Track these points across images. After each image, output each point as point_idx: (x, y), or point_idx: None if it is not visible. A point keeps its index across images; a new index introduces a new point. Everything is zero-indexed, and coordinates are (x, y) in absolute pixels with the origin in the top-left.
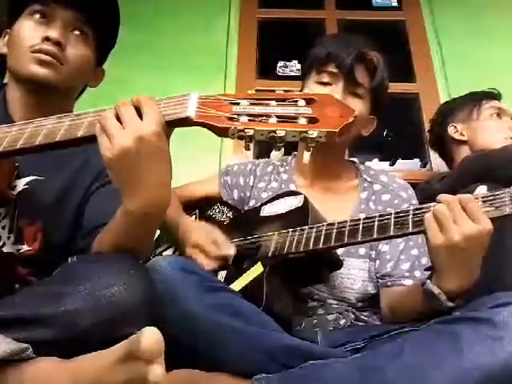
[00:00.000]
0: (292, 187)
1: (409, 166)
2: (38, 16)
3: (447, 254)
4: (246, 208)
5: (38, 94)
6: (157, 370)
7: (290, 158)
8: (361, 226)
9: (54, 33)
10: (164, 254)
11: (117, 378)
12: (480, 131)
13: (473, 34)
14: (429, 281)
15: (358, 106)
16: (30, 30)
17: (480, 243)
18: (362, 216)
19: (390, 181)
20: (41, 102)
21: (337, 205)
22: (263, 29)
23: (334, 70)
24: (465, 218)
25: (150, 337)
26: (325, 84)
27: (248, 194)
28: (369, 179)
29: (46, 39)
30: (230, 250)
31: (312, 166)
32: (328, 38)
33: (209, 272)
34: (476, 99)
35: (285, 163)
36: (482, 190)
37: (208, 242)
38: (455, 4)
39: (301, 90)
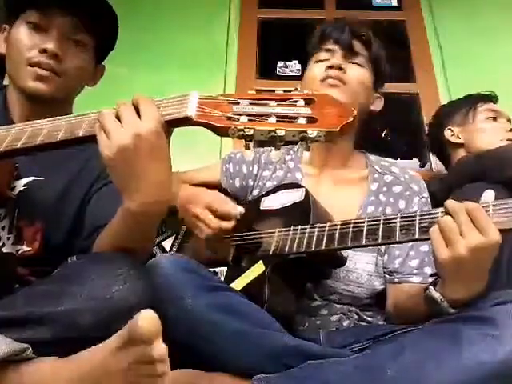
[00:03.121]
0: (298, 176)
1: (408, 166)
2: (34, 24)
3: (453, 267)
4: (250, 197)
5: (37, 102)
6: (159, 347)
7: (296, 146)
8: (365, 228)
9: (51, 44)
10: (164, 243)
11: (120, 364)
12: (476, 134)
13: (473, 34)
14: (431, 287)
15: (360, 71)
16: (26, 40)
17: (487, 255)
18: (371, 209)
19: (401, 172)
20: (40, 107)
21: (346, 195)
22: (263, 29)
23: (330, 47)
24: (471, 228)
25: (146, 318)
26: (323, 61)
27: (251, 183)
28: (379, 170)
29: (44, 51)
30: (238, 209)
31: (318, 154)
32: (324, 23)
33: (209, 271)
34: (472, 102)
35: (292, 151)
36: (489, 195)
37: (221, 201)
38: (455, 4)
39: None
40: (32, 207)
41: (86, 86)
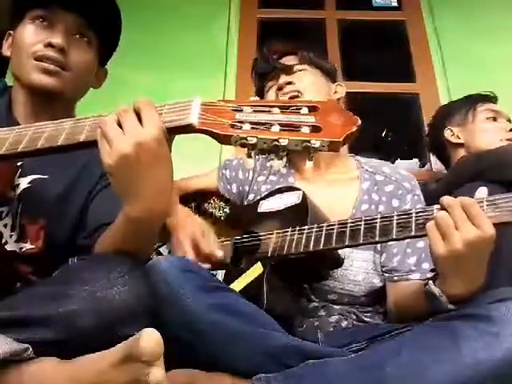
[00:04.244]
0: (291, 180)
1: (408, 166)
2: (39, 21)
3: (450, 262)
4: (246, 202)
5: (42, 99)
6: (157, 371)
7: None
8: (362, 227)
9: (57, 39)
10: (161, 249)
11: (117, 379)
12: (476, 134)
13: (473, 34)
14: (431, 282)
15: (307, 76)
16: (32, 35)
17: (482, 248)
18: (365, 207)
19: (392, 172)
20: (45, 106)
21: (339, 196)
22: (263, 29)
23: (269, 76)
24: (466, 223)
25: (149, 338)
26: (271, 87)
27: (247, 188)
28: (370, 170)
29: (49, 45)
30: (219, 253)
31: None
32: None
33: (209, 272)
34: (471, 102)
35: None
36: (482, 191)
37: (202, 238)
38: (455, 4)
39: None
40: (36, 205)
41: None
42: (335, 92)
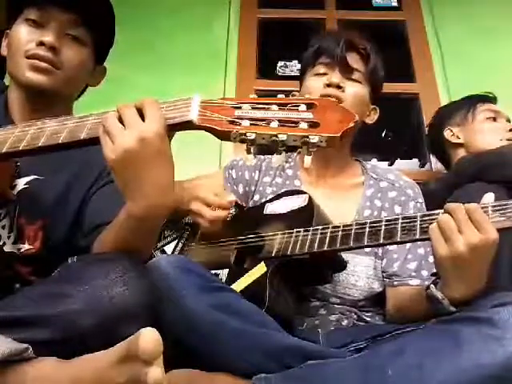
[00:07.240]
0: (297, 183)
1: (408, 165)
2: (32, 20)
3: (452, 265)
4: (251, 203)
5: (37, 98)
6: (156, 371)
7: (294, 154)
8: (367, 229)
9: (48, 37)
10: (165, 248)
11: (116, 378)
12: (475, 134)
13: (473, 34)
14: (433, 285)
15: (357, 88)
16: (24, 35)
17: (485, 253)
18: (368, 213)
19: (396, 178)
20: (40, 104)
21: (342, 201)
22: (263, 29)
23: (328, 60)
24: (470, 227)
25: (148, 337)
26: (321, 75)
27: (253, 188)
28: (375, 176)
29: (41, 44)
30: (229, 197)
31: (316, 162)
32: (321, 34)
33: (210, 272)
34: (471, 102)
35: (290, 159)
36: (489, 197)
37: (208, 193)
38: (455, 4)
39: (299, 90)
40: (33, 206)
41: (88, 88)
42: (368, 115)
